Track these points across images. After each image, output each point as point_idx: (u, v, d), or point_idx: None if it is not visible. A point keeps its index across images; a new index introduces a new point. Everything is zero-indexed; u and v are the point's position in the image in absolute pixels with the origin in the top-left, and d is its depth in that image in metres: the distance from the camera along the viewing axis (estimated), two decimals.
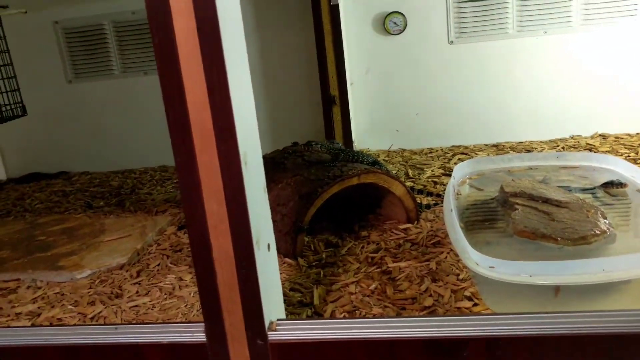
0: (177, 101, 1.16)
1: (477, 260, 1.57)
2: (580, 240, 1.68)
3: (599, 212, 1.81)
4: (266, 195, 1.37)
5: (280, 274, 2.01)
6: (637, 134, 3.29)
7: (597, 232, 1.70)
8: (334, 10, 3.27)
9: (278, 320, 1.33)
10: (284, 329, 1.31)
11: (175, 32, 1.12)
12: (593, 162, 2.38)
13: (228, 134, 1.16)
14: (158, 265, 2.22)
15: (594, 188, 2.16)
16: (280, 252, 2.14)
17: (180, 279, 2.07)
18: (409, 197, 2.30)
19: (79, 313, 1.87)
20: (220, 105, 1.15)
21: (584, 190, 2.17)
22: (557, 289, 1.48)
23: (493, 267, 1.52)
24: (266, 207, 1.37)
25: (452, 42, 3.38)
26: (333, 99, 3.40)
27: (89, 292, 2.01)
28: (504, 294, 1.57)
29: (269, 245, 1.36)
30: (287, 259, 2.11)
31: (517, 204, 1.94)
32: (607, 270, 1.43)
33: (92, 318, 1.84)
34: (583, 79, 3.32)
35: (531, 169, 2.42)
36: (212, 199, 1.21)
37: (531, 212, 1.87)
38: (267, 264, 1.33)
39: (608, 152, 3.03)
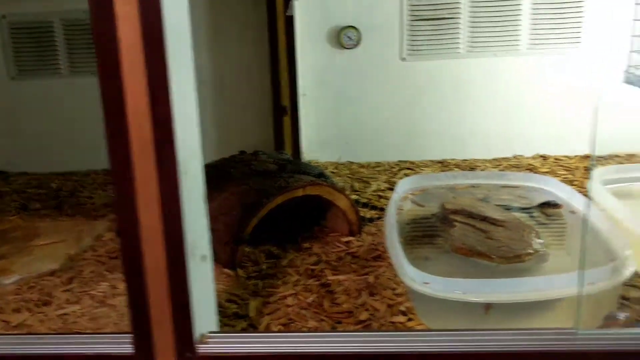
0: (117, 107, 1.13)
1: (412, 275, 1.58)
2: (514, 258, 1.72)
3: (533, 232, 1.86)
4: (206, 206, 1.35)
5: (218, 284, 1.98)
6: (576, 156, 3.41)
7: (530, 251, 1.74)
8: (289, 21, 3.27)
9: (209, 333, 1.31)
10: (215, 342, 1.28)
11: (119, 38, 1.10)
12: (533, 183, 2.44)
13: (167, 142, 1.14)
14: (92, 272, 2.15)
15: (531, 208, 2.22)
16: (220, 262, 2.11)
17: (114, 287, 2.02)
18: (353, 210, 2.31)
19: (3, 321, 1.79)
20: (161, 112, 1.13)
21: (521, 209, 2.23)
22: (487, 306, 1.50)
23: (428, 283, 1.53)
24: (204, 218, 1.35)
25: (404, 58, 3.43)
26: (284, 109, 3.39)
27: (15, 299, 1.93)
28: (437, 309, 1.59)
29: (204, 257, 1.33)
30: (226, 270, 2.08)
31: (456, 221, 1.97)
32: (537, 289, 1.47)
33: (15, 326, 1.76)
34: (528, 101, 3.42)
35: (473, 186, 2.47)
36: (148, 208, 1.18)
37: (469, 230, 1.90)
38: (200, 276, 1.30)
39: (547, 172, 3.12)
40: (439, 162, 3.47)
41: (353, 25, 3.40)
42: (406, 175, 3.18)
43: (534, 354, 1.24)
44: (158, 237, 1.21)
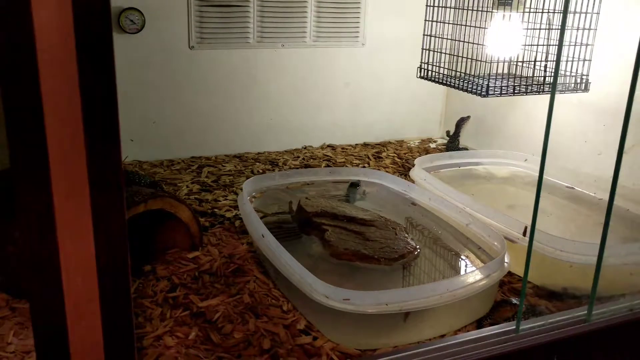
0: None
1: (327, 293, 1.47)
2: (399, 258, 1.73)
3: (402, 229, 1.90)
4: None
5: None
6: (357, 144, 3.63)
7: (410, 249, 1.78)
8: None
9: None
10: None
11: None
12: (365, 178, 2.49)
13: None
14: None
15: (348, 196, 2.29)
16: None
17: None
18: (195, 222, 2.06)
19: None
20: None
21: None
22: (406, 314, 1.48)
23: (348, 299, 1.44)
24: None
25: (193, 47, 3.18)
26: None
27: None
28: (349, 324, 1.51)
29: None
30: None
31: (324, 224, 1.90)
32: (450, 290, 1.50)
33: None
34: (314, 92, 3.51)
35: (307, 184, 2.43)
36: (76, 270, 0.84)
37: (342, 233, 1.85)
38: None
39: (343, 162, 3.26)
40: (237, 156, 3.33)
41: (135, 7, 3.01)
42: (211, 173, 2.99)
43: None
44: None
